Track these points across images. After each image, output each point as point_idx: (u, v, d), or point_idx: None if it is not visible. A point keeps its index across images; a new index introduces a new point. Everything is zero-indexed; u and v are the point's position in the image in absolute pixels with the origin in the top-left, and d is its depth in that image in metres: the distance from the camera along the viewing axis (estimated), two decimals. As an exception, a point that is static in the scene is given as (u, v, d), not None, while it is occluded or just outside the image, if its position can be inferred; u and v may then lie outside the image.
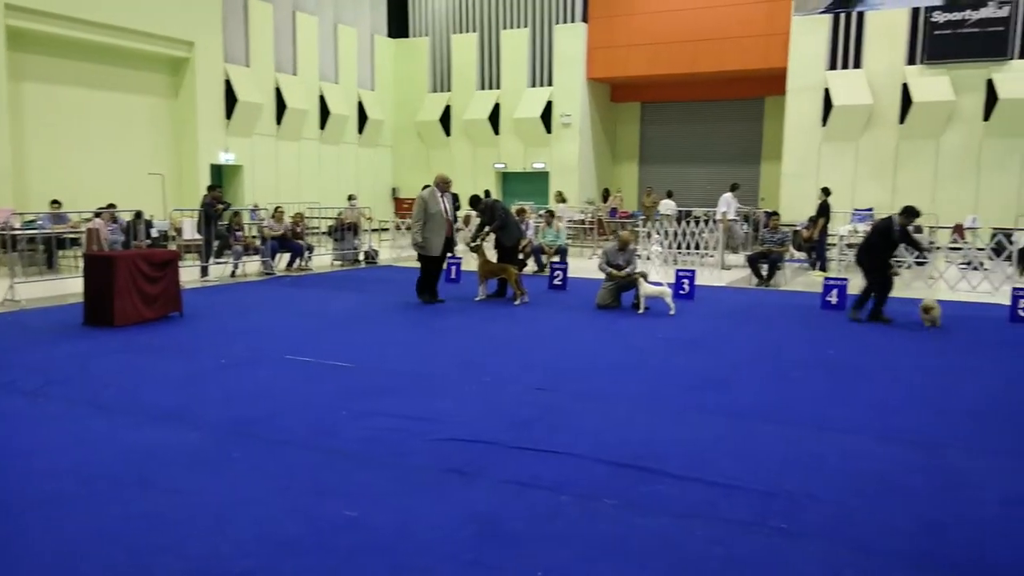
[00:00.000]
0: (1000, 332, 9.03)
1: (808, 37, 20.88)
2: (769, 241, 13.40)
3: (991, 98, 19.25)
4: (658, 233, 15.91)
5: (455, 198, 15.96)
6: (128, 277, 8.77)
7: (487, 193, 19.04)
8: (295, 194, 22.38)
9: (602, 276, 10.77)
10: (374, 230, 18.98)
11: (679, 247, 15.67)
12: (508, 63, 25.67)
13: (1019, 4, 18.64)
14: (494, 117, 25.97)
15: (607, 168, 27.07)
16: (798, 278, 14.24)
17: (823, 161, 21.20)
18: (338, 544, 3.53)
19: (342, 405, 5.73)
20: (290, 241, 14.74)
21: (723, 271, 14.93)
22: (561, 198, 21.25)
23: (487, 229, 11.75)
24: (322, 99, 24.55)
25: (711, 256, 15.52)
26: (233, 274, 13.86)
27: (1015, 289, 9.81)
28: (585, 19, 24.57)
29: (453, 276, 13.15)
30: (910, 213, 9.57)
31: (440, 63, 27.08)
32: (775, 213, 14.52)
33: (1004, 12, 18.84)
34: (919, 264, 13.51)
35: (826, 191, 15.46)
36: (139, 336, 8.28)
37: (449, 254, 11.22)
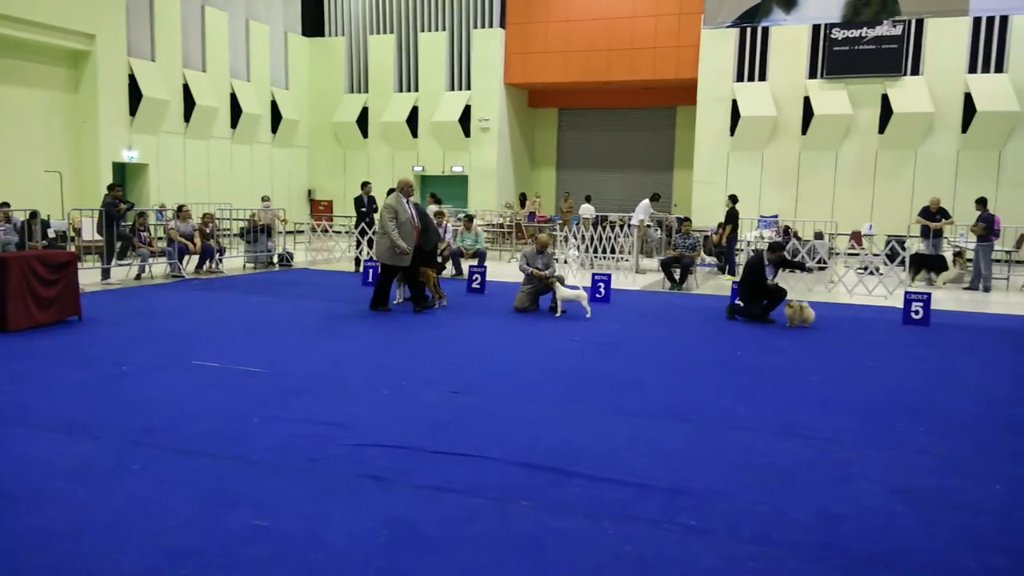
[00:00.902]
0: (893, 334, 9.56)
1: (717, 50, 21.62)
2: (681, 246, 13.79)
3: (886, 112, 20.40)
4: (575, 237, 16.15)
5: (372, 200, 15.78)
6: (21, 280, 8.30)
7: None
8: (205, 194, 21.68)
9: (520, 279, 10.86)
10: (289, 232, 18.58)
11: (595, 251, 15.95)
12: (426, 66, 25.58)
13: (911, 23, 19.82)
14: (412, 120, 25.83)
15: (525, 173, 27.31)
16: (708, 281, 14.70)
17: (731, 169, 21.98)
18: (245, 555, 3.44)
19: (252, 412, 5.58)
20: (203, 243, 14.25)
21: (637, 275, 15.28)
22: (435, 199, 20.31)
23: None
24: (233, 97, 23.87)
25: (626, 260, 15.85)
26: (138, 277, 13.31)
27: (907, 293, 10.40)
28: (503, 25, 24.74)
29: (370, 280, 12.99)
30: (775, 248, 10.37)
31: (357, 64, 26.75)
32: (687, 219, 14.97)
33: (897, 31, 20.00)
34: (820, 269, 14.16)
35: (733, 198, 16.03)
36: (34, 342, 7.85)
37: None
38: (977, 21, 19.37)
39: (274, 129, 25.81)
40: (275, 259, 16.04)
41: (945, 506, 4.17)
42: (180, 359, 7.20)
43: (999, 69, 19.51)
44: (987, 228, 13.68)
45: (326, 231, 18.67)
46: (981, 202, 14.32)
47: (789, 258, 11.31)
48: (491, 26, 24.79)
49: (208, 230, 14.68)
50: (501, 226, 20.67)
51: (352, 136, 26.76)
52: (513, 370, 7.16)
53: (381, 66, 26.22)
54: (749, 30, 21.13)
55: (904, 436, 5.43)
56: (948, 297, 12.94)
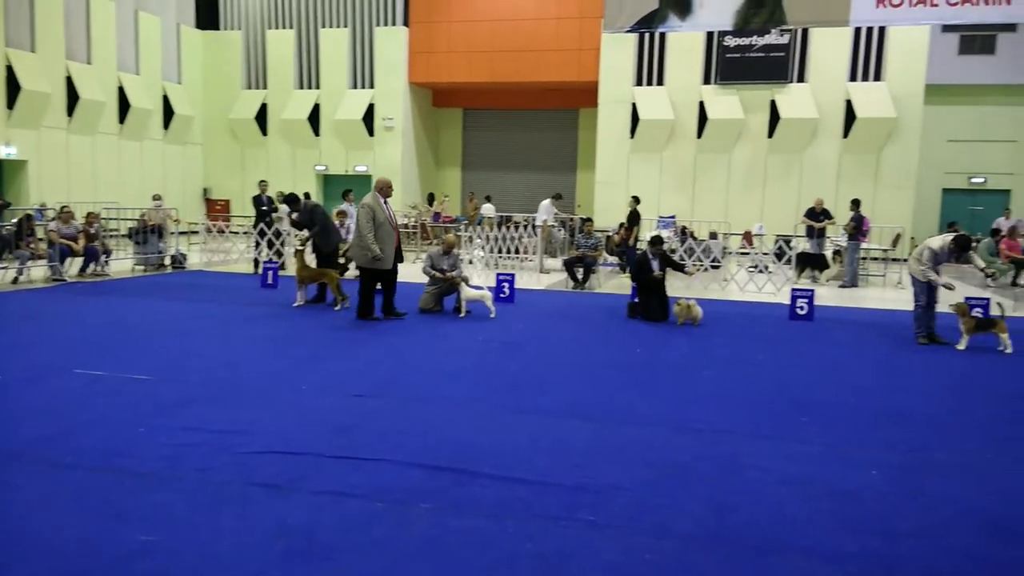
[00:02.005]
0: (780, 329, 10.03)
1: (617, 54, 22.14)
2: (584, 246, 14.04)
3: (774, 117, 21.38)
4: (480, 238, 16.19)
5: (271, 199, 15.35)
6: None
7: (307, 196, 18.45)
8: (90, 193, 20.55)
9: (425, 280, 10.80)
10: (182, 233, 17.84)
11: (500, 251, 16.03)
12: (328, 63, 25.07)
13: (797, 33, 20.85)
14: (314, 117, 25.27)
15: (431, 173, 27.17)
16: (611, 281, 15.02)
17: (632, 170, 22.54)
18: (131, 572, 3.28)
19: (139, 421, 5.32)
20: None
21: (542, 275, 15.45)
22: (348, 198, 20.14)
23: (308, 235, 11.38)
24: (121, 91, 22.71)
25: (530, 260, 16.01)
26: (16, 280, 12.47)
27: (794, 290, 10.93)
28: (406, 23, 24.52)
29: (270, 281, 12.63)
30: (655, 243, 10.78)
31: (255, 59, 25.94)
32: (589, 219, 15.25)
33: (784, 39, 21.00)
34: (715, 268, 14.71)
35: (636, 199, 16.46)
36: None
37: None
38: (858, 31, 20.58)
39: (166, 125, 24.72)
40: (167, 261, 15.36)
41: (827, 493, 4.41)
42: (61, 367, 6.79)
43: (877, 78, 20.78)
44: (856, 228, 14.56)
45: (222, 231, 18.03)
46: (855, 203, 15.22)
47: (672, 256, 11.69)
48: (394, 24, 24.53)
49: (93, 230, 13.90)
50: (405, 226, 20.46)
51: (250, 133, 25.94)
52: (417, 371, 7.11)
53: (280, 62, 25.52)
54: (647, 36, 21.73)
55: (790, 427, 5.70)
56: (830, 294, 13.68)
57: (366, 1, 24.62)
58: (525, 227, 16.42)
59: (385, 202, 9.55)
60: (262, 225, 14.97)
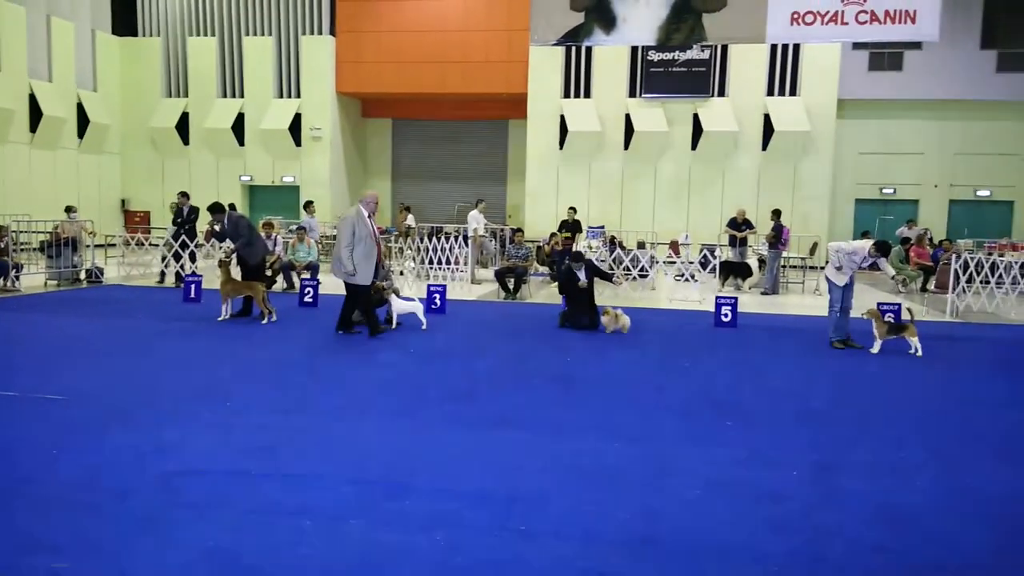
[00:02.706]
0: (705, 336, 10.30)
1: (545, 67, 22.42)
2: (515, 256, 14.11)
3: (697, 130, 22.00)
4: (410, 249, 16.11)
5: (193, 210, 14.90)
6: None
7: (232, 207, 18.03)
8: (-2, 205, 19.56)
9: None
10: (99, 246, 17.14)
11: (430, 262, 15.99)
12: (252, 71, 24.56)
13: (717, 49, 21.52)
14: (238, 127, 24.70)
15: (360, 183, 26.88)
16: (541, 291, 15.14)
17: (561, 182, 22.82)
18: (43, 602, 3.14)
19: (53, 444, 5.09)
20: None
21: (473, 285, 15.46)
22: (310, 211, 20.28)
23: (233, 247, 11.10)
24: (32, 98, 21.74)
25: (462, 271, 16.01)
26: (-87, 298, 11.77)
27: (718, 298, 11.25)
28: (332, 32, 24.27)
29: (192, 295, 12.26)
30: (577, 258, 11.01)
31: (175, 66, 25.21)
32: (520, 230, 15.35)
33: (705, 55, 21.66)
34: (641, 277, 15.00)
35: (573, 210, 16.73)
36: None
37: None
38: (774, 48, 21.39)
39: (81, 134, 23.76)
40: (82, 275, 14.74)
41: (751, 495, 4.54)
42: (-35, 389, 6.44)
43: (793, 93, 21.63)
44: (776, 237, 15.11)
45: (142, 244, 17.43)
46: (775, 213, 15.78)
47: (600, 266, 11.90)
48: (321, 33, 24.23)
49: (2, 244, 13.24)
50: (335, 237, 20.18)
51: (171, 143, 25.17)
52: (346, 385, 7.02)
53: (202, 70, 24.87)
54: (575, 49, 22.08)
55: (715, 431, 5.85)
56: (752, 301, 14.11)
57: (291, 9, 24.25)
58: (455, 238, 16.41)
59: (369, 217, 9.39)
60: (183, 237, 14.55)
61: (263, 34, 24.47)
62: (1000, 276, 13.92)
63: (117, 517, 3.98)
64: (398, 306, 10.21)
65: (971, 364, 8.73)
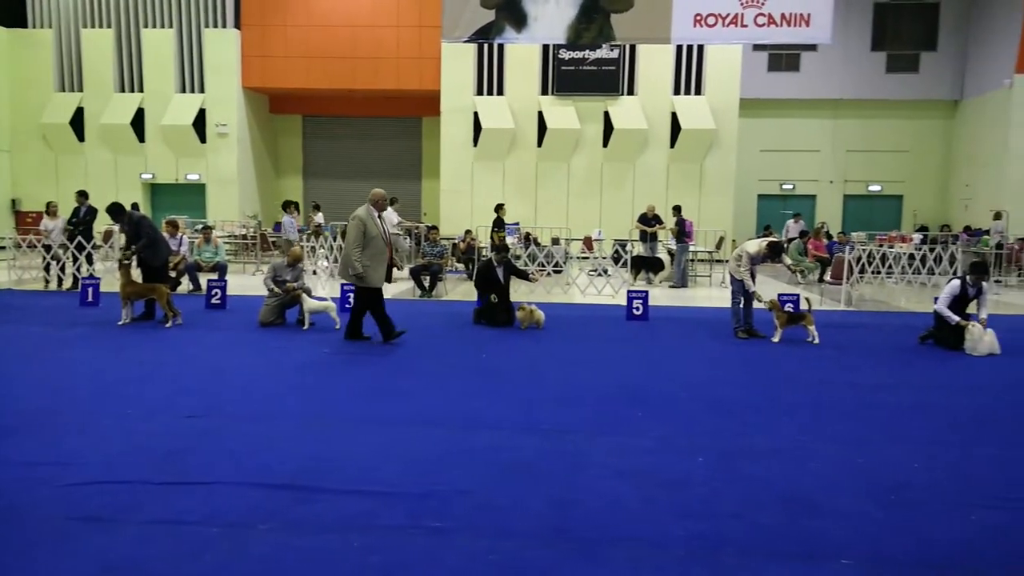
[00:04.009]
0: (618, 329, 10.53)
1: (457, 63, 22.39)
2: (430, 254, 14.06)
3: (608, 127, 22.42)
4: (322, 248, 15.83)
5: (91, 211, 14.21)
6: None
7: (135, 207, 17.31)
8: None
9: (265, 292, 10.43)
10: (-15, 249, 16.15)
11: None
12: (152, 65, 23.56)
13: (625, 48, 21.98)
14: (138, 123, 23.65)
15: (270, 181, 26.22)
16: (458, 288, 15.14)
17: (476, 178, 22.85)
18: (-75, 628, 2.96)
19: (-65, 460, 4.79)
20: None
21: (388, 284, 15.28)
22: (289, 210, 19.41)
23: (134, 248, 10.64)
24: (-93, 91, 20.26)
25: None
26: None
27: (629, 292, 11.51)
28: (237, 25, 23.54)
29: (91, 299, 11.71)
30: (500, 250, 11.18)
31: (69, 60, 23.93)
32: (435, 227, 15.30)
33: (614, 54, 22.09)
34: (556, 272, 15.20)
35: (500, 207, 16.80)
36: None
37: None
38: (679, 49, 22.00)
39: (-37, 130, 22.30)
40: (-32, 280, 13.86)
41: (659, 483, 4.69)
42: None
43: (698, 92, 22.31)
44: (680, 231, 15.60)
45: (34, 246, 16.50)
46: (676, 209, 16.26)
47: (516, 264, 12.04)
48: (225, 26, 23.46)
49: None
50: (244, 237, 19.66)
51: (65, 139, 23.89)
52: (257, 387, 6.86)
53: (98, 63, 23.69)
54: (486, 46, 22.13)
55: (627, 422, 6.01)
56: (663, 294, 14.51)
57: (193, 1, 23.39)
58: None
59: (379, 216, 8.97)
60: (79, 239, 13.86)
61: (163, 26, 23.50)
62: (890, 266, 14.76)
63: (12, 532, 3.78)
64: (310, 306, 10.04)
65: (863, 350, 9.24)
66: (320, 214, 19.91)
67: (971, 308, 9.26)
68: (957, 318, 9.04)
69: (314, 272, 15.00)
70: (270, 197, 25.48)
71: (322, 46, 23.36)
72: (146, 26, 23.53)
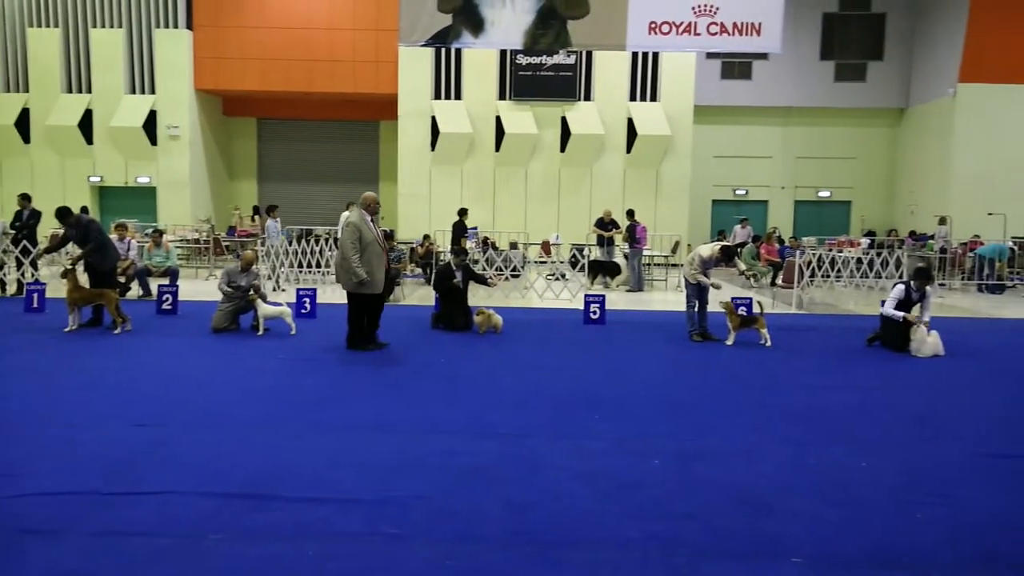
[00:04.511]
0: (576, 333, 10.60)
1: (414, 67, 22.31)
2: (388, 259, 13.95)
3: (565, 133, 22.56)
4: (283, 252, 15.62)
5: (35, 214, 13.81)
6: None
7: (84, 210, 16.89)
8: None
9: (219, 297, 10.25)
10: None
11: (300, 266, 15.58)
12: (101, 66, 22.99)
13: (583, 54, 22.16)
14: (86, 124, 23.05)
15: (223, 185, 25.79)
16: (416, 292, 15.08)
17: (434, 183, 22.79)
18: None
19: None
20: None
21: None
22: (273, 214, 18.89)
23: (81, 253, 10.37)
24: None
25: (333, 274, 15.66)
26: None
27: (586, 296, 11.60)
28: (190, 26, 23.13)
29: (36, 305, 11.37)
30: (458, 253, 11.25)
31: (13, 59, 23.22)
32: (391, 232, 15.22)
33: (571, 60, 22.25)
34: (514, 277, 15.24)
35: (462, 212, 16.79)
36: None
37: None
38: (635, 56, 22.25)
39: (-100, 130, 21.49)
40: (-95, 286, 13.34)
41: (615, 485, 4.73)
42: None
43: (654, 98, 22.59)
44: (631, 236, 15.80)
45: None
46: (629, 214, 16.47)
47: (474, 268, 12.05)
48: (177, 27, 23.03)
49: None
50: (197, 241, 19.31)
51: (10, 141, 23.15)
52: (210, 395, 6.74)
53: (44, 63, 23.02)
54: (444, 50, 22.09)
55: (584, 425, 6.05)
56: (620, 298, 14.66)
57: (143, 1, 22.91)
58: (326, 241, 16.06)
59: (372, 219, 8.71)
60: (24, 243, 13.46)
61: (112, 26, 22.96)
62: (839, 271, 15.12)
63: (-53, 549, 3.66)
64: (264, 311, 9.90)
65: (814, 352, 9.45)
66: (276, 218, 19.63)
67: (915, 311, 9.53)
68: (902, 314, 9.28)
69: (268, 277, 14.80)
70: (223, 200, 25.05)
71: (277, 48, 23.07)
72: (95, 26, 22.96)
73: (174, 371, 7.71)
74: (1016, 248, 17.72)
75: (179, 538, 3.81)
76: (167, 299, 11.49)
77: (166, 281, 12.71)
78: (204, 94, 23.93)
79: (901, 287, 9.57)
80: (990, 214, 20.19)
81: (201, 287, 14.69)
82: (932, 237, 20.50)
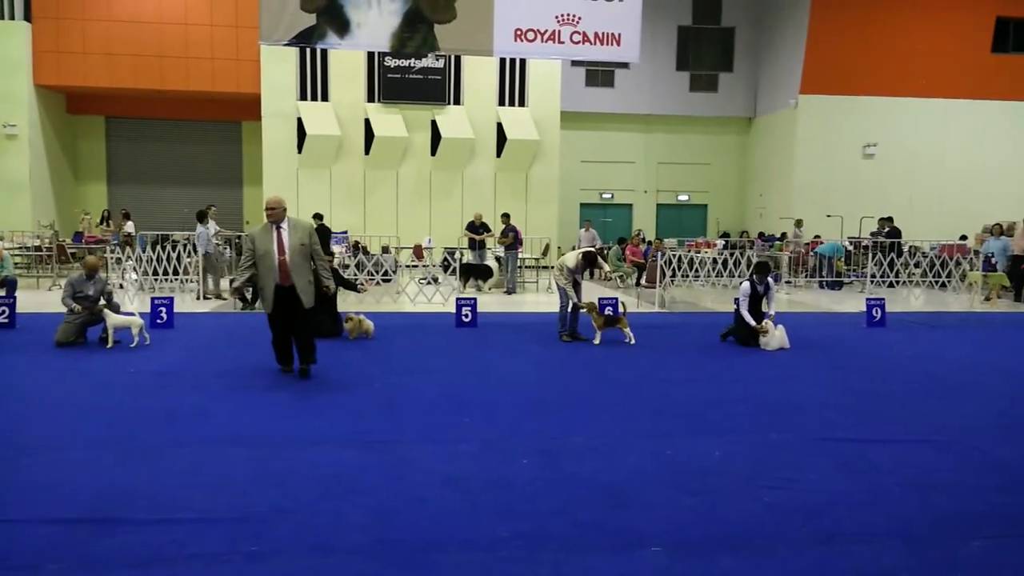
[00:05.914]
0: (448, 336, 10.59)
1: (278, 67, 21.63)
2: (250, 265, 13.41)
3: (436, 136, 22.55)
4: (130, 259, 14.72)
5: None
6: None
7: None
8: None
9: (65, 310, 9.52)
10: None
11: (155, 273, 14.73)
12: (-79, 56, 20.90)
13: (451, 59, 22.22)
14: (-96, 121, 20.87)
15: (69, 187, 24.02)
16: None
17: (301, 186, 22.16)
18: None
19: None
20: None
21: (206, 299, 14.46)
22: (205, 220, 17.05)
23: None
24: None
25: (193, 282, 14.93)
26: None
27: (458, 299, 11.63)
28: (28, 18, 21.39)
29: None
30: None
31: None
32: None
33: (440, 64, 22.27)
34: (386, 281, 15.06)
35: (319, 216, 16.35)
36: None
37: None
38: (503, 62, 22.55)
39: None
40: None
41: (484, 486, 4.76)
42: None
43: (522, 103, 22.97)
44: (513, 239, 16.04)
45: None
46: (505, 217, 16.70)
47: (343, 273, 11.85)
48: (13, 18, 21.23)
49: None
50: (39, 248, 17.88)
51: None
52: (51, 413, 6.24)
53: None
54: (309, 50, 21.54)
55: (453, 428, 6.06)
56: (493, 300, 14.78)
57: (-29, -13, 21.01)
58: (184, 247, 15.27)
59: (277, 227, 7.53)
60: None
61: (-65, 13, 20.91)
62: (697, 270, 15.93)
63: None
64: (114, 321, 9.30)
65: (674, 349, 9.90)
66: (130, 223, 18.55)
67: (764, 305, 10.17)
68: (755, 323, 9.87)
69: (121, 286, 13.92)
70: (68, 204, 23.35)
71: (126, 43, 21.74)
72: (-87, 12, 20.82)
73: (10, 389, 7.09)
74: (851, 247, 19.30)
75: (13, 571, 3.50)
76: (3, 311, 10.56)
77: (2, 293, 11.68)
78: (45, 90, 22.23)
79: (747, 284, 10.17)
80: (828, 216, 21.91)
81: (43, 298, 13.62)
82: (781, 238, 21.98)
